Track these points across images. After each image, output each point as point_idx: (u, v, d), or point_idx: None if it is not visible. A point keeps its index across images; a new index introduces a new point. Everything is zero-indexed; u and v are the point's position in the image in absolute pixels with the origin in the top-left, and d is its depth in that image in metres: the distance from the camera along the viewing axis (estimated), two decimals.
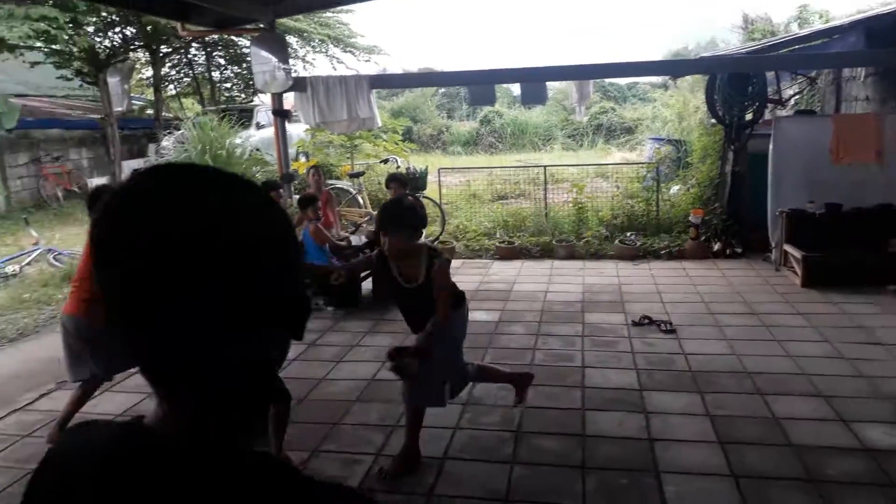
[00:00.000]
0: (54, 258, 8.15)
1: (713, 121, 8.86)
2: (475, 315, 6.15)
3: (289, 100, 9.08)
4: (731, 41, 17.63)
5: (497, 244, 8.77)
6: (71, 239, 10.14)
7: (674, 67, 11.58)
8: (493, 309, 6.39)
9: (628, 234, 8.81)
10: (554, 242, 8.64)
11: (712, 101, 8.34)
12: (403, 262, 3.45)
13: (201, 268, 0.67)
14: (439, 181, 10.25)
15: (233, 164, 9.15)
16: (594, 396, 4.38)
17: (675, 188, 10.13)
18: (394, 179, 7.11)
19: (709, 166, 9.17)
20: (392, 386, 4.61)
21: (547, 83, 8.68)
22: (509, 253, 8.55)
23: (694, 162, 10.24)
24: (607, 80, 30.79)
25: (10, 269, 7.73)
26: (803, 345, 5.12)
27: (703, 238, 8.30)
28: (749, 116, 8.24)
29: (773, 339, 5.31)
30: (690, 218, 8.37)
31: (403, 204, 3.57)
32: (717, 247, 8.21)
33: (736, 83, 8.01)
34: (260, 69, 8.49)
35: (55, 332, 6.04)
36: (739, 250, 8.16)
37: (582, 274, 7.66)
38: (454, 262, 8.33)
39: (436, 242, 8.93)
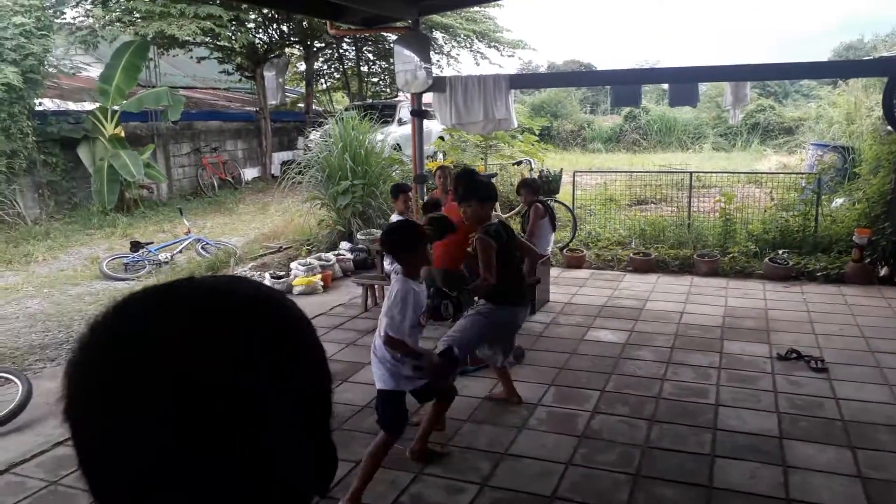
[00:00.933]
0: (202, 248, 8.70)
1: (889, 128, 7.88)
2: (598, 334, 5.88)
3: (428, 98, 9.12)
4: None
5: (631, 255, 8.33)
6: (219, 228, 10.81)
7: (847, 69, 10.45)
8: (621, 329, 6.03)
9: (780, 251, 8.05)
10: (695, 256, 8.07)
11: (890, 105, 7.41)
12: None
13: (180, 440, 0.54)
14: (573, 184, 9.91)
15: (371, 162, 9.32)
16: (726, 441, 3.98)
17: (837, 201, 9.17)
18: (524, 185, 6.92)
19: (881, 179, 8.18)
20: (504, 408, 4.45)
21: (699, 83, 8.12)
22: (644, 265, 8.09)
23: (863, 173, 9.22)
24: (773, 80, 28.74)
25: (162, 256, 8.33)
26: None
27: (867, 261, 7.42)
28: None
29: None
30: (854, 237, 7.50)
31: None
32: (883, 272, 7.30)
33: None
34: (402, 68, 8.58)
35: None
36: None
37: (724, 294, 7.09)
38: (581, 273, 8.03)
39: (565, 250, 8.64)
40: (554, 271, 7.83)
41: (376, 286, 6.78)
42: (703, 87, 25.54)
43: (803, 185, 9.34)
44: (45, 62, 11.40)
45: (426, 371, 3.45)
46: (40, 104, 11.48)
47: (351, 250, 8.20)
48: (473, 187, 4.31)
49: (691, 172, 10.03)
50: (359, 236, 8.50)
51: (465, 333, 4.14)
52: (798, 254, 8.01)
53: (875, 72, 8.36)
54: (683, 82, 7.83)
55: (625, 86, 8.35)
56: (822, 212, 8.57)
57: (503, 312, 4.23)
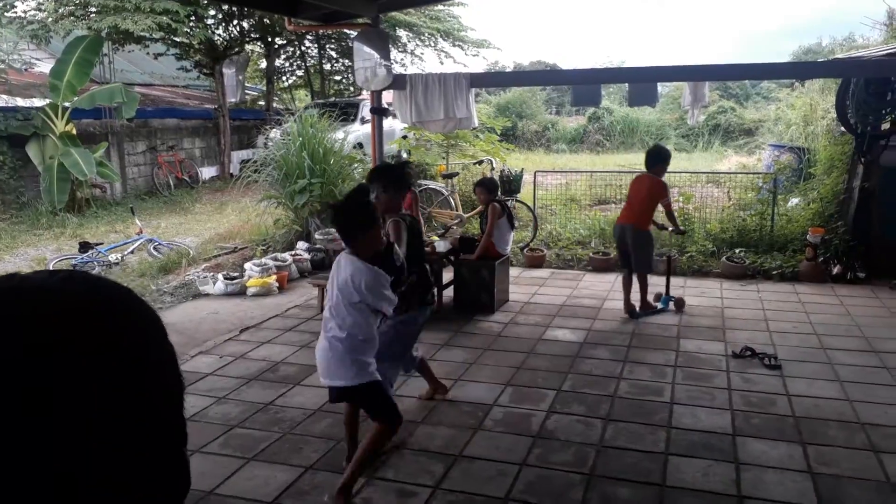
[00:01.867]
0: (154, 248, 8.46)
1: (843, 129, 8.03)
2: (557, 333, 5.85)
3: (390, 96, 9.02)
4: (871, 38, 16.15)
5: (591, 255, 8.34)
6: (173, 229, 10.55)
7: (804, 70, 10.60)
8: (579, 328, 6.02)
9: (737, 250, 8.13)
10: (654, 256, 8.08)
11: (843, 107, 7.55)
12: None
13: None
14: (535, 183, 9.90)
15: (330, 160, 9.19)
16: (680, 439, 3.97)
17: (793, 201, 9.31)
18: (479, 185, 6.88)
19: (834, 179, 8.34)
20: (460, 409, 4.38)
21: (659, 83, 8.15)
22: (603, 265, 8.10)
23: (817, 174, 9.39)
24: (731, 81, 29.23)
25: (112, 257, 8.08)
26: None
27: (820, 259, 7.53)
28: (886, 126, 7.40)
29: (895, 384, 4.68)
30: (808, 236, 7.61)
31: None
32: (836, 270, 7.43)
33: (874, 88, 7.19)
34: (361, 65, 8.45)
35: None
36: (863, 275, 7.33)
37: (681, 293, 7.12)
38: (541, 273, 8.00)
39: (525, 250, 8.61)
40: (514, 271, 7.79)
41: None
42: (666, 88, 25.87)
43: (760, 184, 9.46)
44: None
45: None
46: None
47: (308, 250, 8.06)
48: (382, 177, 4.07)
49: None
50: (317, 236, 8.37)
51: (395, 354, 3.94)
52: (755, 252, 8.10)
53: (831, 73, 8.49)
54: (642, 82, 7.86)
55: (585, 85, 8.35)
56: (778, 211, 8.68)
57: (421, 315, 4.06)
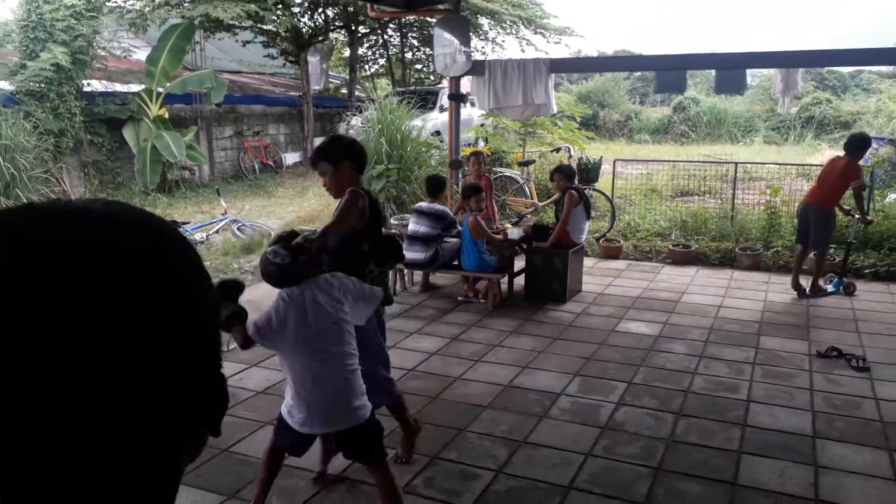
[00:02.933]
0: (237, 229, 8.76)
1: None
2: (630, 326, 5.72)
3: (468, 84, 9.02)
4: None
5: (670, 247, 8.10)
6: (256, 211, 10.89)
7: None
8: (654, 321, 5.86)
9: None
10: (737, 250, 7.80)
11: None
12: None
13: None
14: (614, 173, 9.69)
15: (407, 147, 9.28)
16: (755, 438, 3.82)
17: (891, 196, 8.76)
18: (557, 171, 6.78)
19: None
20: (526, 396, 4.36)
21: (748, 70, 7.83)
22: (683, 258, 7.86)
23: None
24: (827, 67, 27.74)
25: (198, 235, 8.41)
26: None
27: None
28: None
29: None
30: None
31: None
32: None
33: None
34: (441, 51, 8.50)
35: None
36: None
37: (765, 289, 6.84)
38: (617, 264, 7.84)
39: (601, 240, 8.44)
40: (589, 261, 7.66)
41: (405, 271, 6.73)
42: (757, 79, 24.79)
43: None
44: (94, 44, 11.61)
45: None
46: (88, 85, 11.72)
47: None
48: (326, 151, 3.52)
49: (737, 163, 9.70)
50: (391, 221, 8.46)
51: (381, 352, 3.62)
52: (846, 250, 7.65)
53: None
54: (730, 69, 7.55)
55: (669, 71, 8.11)
56: (874, 207, 8.19)
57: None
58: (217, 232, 8.79)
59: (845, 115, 22.28)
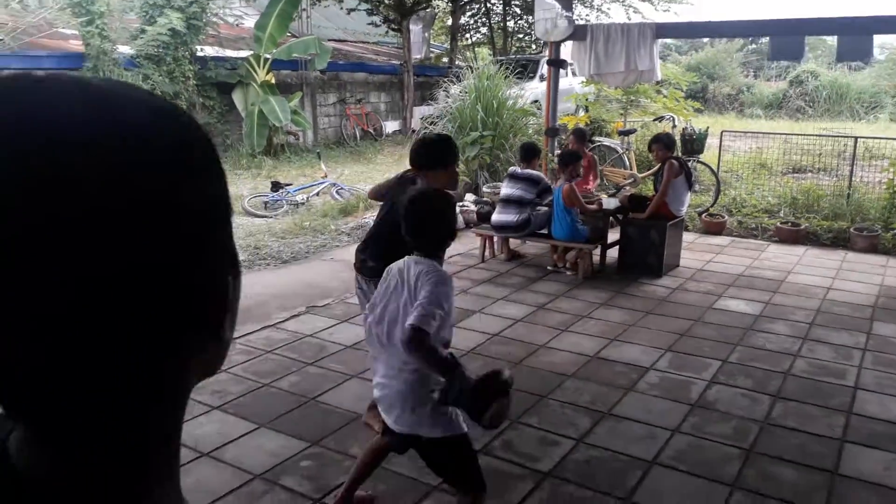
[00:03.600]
0: (337, 192, 8.98)
1: None
2: (729, 304, 5.46)
3: (567, 51, 8.77)
4: None
5: (778, 224, 7.65)
6: (355, 176, 11.11)
7: None
8: (756, 300, 5.56)
9: None
10: (852, 230, 7.27)
11: None
12: None
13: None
14: (720, 146, 9.22)
15: (503, 114, 9.17)
16: (861, 427, 3.56)
17: None
18: (656, 140, 6.51)
19: None
20: (613, 369, 4.25)
21: (876, 38, 7.21)
22: (791, 236, 7.40)
23: None
24: None
25: (299, 197, 8.68)
26: None
27: None
28: None
29: None
30: None
31: None
32: None
33: None
34: (542, 16, 8.31)
35: (322, 259, 6.68)
36: None
37: (882, 273, 6.34)
38: (719, 240, 7.50)
39: (704, 215, 8.08)
40: (689, 236, 7.36)
41: (495, 238, 6.68)
42: (886, 51, 22.86)
43: None
44: (207, 10, 12.08)
45: (465, 398, 2.22)
46: (201, 50, 12.24)
47: (476, 202, 8.13)
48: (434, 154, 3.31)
49: (856, 138, 9.00)
50: (485, 189, 8.43)
51: None
52: None
53: None
54: (854, 34, 6.97)
55: (785, 37, 7.56)
56: None
57: None
58: (318, 194, 9.04)
59: None
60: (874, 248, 7.02)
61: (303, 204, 8.65)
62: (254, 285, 5.54)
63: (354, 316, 4.99)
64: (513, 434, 3.45)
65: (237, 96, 12.48)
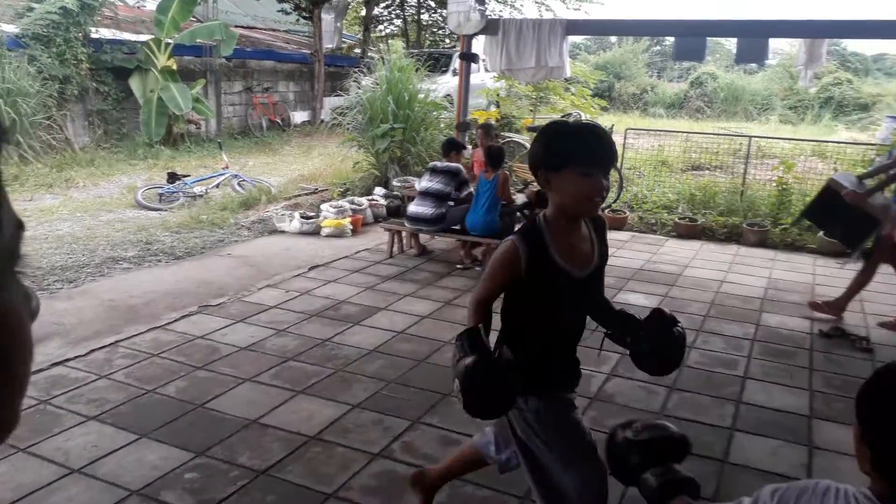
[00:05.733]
0: (238, 184, 8.65)
1: None
2: (629, 297, 5.59)
3: (480, 45, 8.77)
4: None
5: (676, 220, 7.91)
6: (260, 168, 10.76)
7: None
8: (654, 294, 5.72)
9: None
10: (744, 226, 7.61)
11: None
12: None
13: None
14: (624, 143, 9.46)
15: (414, 107, 9.08)
16: (749, 416, 3.69)
17: None
18: (533, 131, 6.59)
19: None
20: None
21: (770, 40, 7.55)
22: (688, 231, 7.68)
23: None
24: (849, 49, 27.09)
25: (198, 189, 8.31)
26: None
27: None
28: None
29: None
30: None
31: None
32: None
33: None
34: (455, 9, 8.27)
35: (219, 255, 6.40)
36: None
37: (770, 266, 6.66)
38: (621, 235, 7.68)
39: (606, 210, 8.26)
40: None
41: (403, 233, 6.60)
42: (777, 57, 24.23)
43: (874, 156, 8.68)
44: None
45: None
46: (96, 32, 11.52)
47: (385, 196, 8.02)
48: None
49: (751, 137, 9.45)
50: (394, 183, 8.32)
51: None
52: None
53: None
54: (753, 36, 7.29)
55: (688, 38, 7.82)
56: (891, 188, 7.93)
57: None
58: (217, 186, 8.68)
59: (865, 97, 21.78)
60: (763, 242, 7.38)
61: (201, 196, 8.29)
62: (142, 283, 5.24)
63: (250, 315, 4.80)
64: (414, 434, 3.38)
65: (135, 82, 11.84)
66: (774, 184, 8.26)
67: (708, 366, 4.32)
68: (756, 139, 9.82)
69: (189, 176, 8.78)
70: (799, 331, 4.95)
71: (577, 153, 1.91)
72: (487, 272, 2.06)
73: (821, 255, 7.07)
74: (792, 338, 4.82)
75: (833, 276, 6.40)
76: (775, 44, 23.31)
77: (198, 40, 12.66)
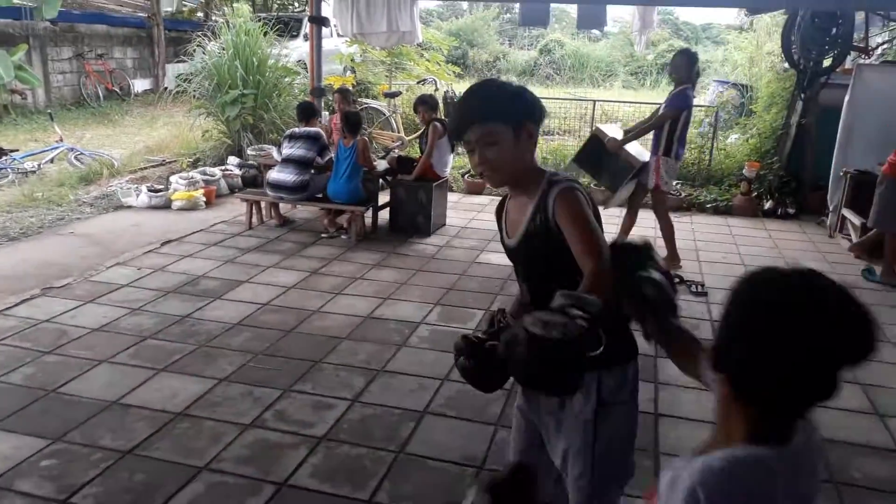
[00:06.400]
0: (75, 158, 7.99)
1: (786, 65, 8.01)
2: (490, 257, 5.80)
3: (330, 9, 8.56)
4: None
5: None
6: (99, 140, 9.99)
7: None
8: None
9: (675, 183, 8.16)
10: (591, 185, 8.07)
11: (788, 42, 7.52)
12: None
13: None
14: None
15: (264, 72, 8.77)
16: None
17: (732, 137, 9.37)
18: (421, 102, 6.62)
19: (773, 115, 8.38)
20: (386, 326, 4.30)
21: (608, 6, 7.98)
22: None
23: (758, 110, 9.43)
24: (681, 19, 29.08)
25: (29, 164, 7.59)
26: None
27: (754, 194, 7.63)
28: (827, 62, 7.41)
29: None
30: (744, 171, 7.68)
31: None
32: (768, 205, 7.54)
33: (819, 23, 7.17)
34: None
35: (59, 234, 5.93)
36: (793, 211, 7.46)
37: (616, 222, 7.13)
38: (481, 199, 7.90)
39: (466, 176, 8.47)
40: (454, 196, 7.71)
41: (262, 203, 6.42)
42: (618, 25, 25.61)
43: (702, 118, 9.47)
44: None
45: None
46: None
47: (240, 166, 7.73)
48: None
49: (595, 101, 9.98)
50: (249, 151, 8.03)
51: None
52: (691, 186, 8.16)
53: (781, 4, 8.16)
54: (591, 3, 7.68)
55: (531, 3, 8.10)
56: (717, 146, 8.72)
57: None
58: (52, 161, 7.98)
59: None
60: (607, 201, 7.87)
61: (33, 172, 7.59)
62: None
63: (100, 296, 4.52)
64: (285, 403, 3.35)
65: None
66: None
67: None
68: (600, 103, 10.37)
69: (17, 150, 8.00)
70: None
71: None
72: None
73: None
74: None
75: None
76: (617, 12, 24.64)
77: (15, 1, 11.41)
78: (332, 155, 6.17)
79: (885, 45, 9.04)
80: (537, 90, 14.50)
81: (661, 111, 5.49)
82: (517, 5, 8.58)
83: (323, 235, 6.22)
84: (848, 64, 8.09)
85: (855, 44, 7.78)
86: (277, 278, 5.08)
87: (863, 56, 7.98)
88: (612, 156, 5.53)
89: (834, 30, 7.26)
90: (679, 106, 5.32)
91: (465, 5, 29.05)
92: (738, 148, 8.71)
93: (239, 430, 3.08)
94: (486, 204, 7.75)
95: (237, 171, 7.54)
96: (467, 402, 3.44)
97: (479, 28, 26.61)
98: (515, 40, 30.13)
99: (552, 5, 8.42)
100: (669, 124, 5.34)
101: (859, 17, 7.70)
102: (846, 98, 6.71)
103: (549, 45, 24.95)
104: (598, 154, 5.62)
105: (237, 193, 6.83)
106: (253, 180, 7.44)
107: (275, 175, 6.13)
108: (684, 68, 5.36)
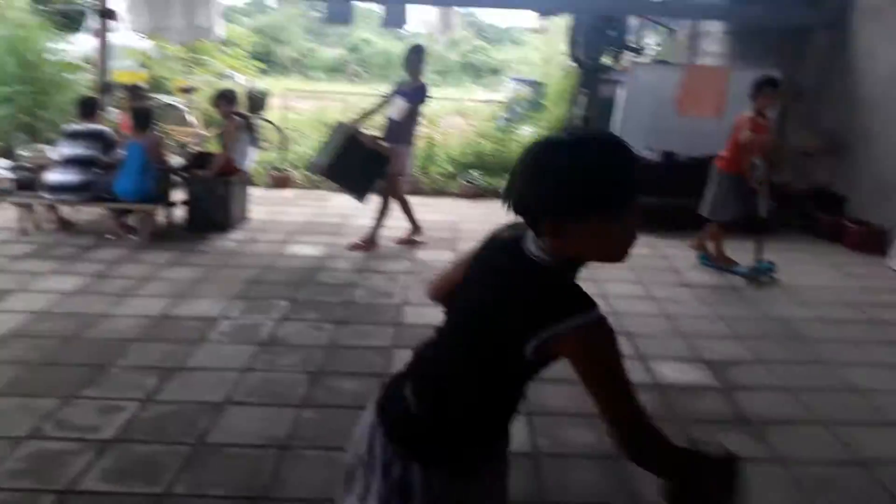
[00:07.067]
0: None
1: (573, 63, 8.73)
2: (296, 249, 5.78)
3: (122, 3, 7.98)
4: None
5: None
6: None
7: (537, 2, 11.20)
8: (321, 244, 5.98)
9: (474, 172, 8.61)
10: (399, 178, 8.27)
11: (574, 42, 8.22)
12: None
13: None
14: (286, 106, 9.56)
15: (43, 68, 8.02)
16: (406, 334, 4.14)
17: (527, 129, 10.04)
18: (219, 96, 6.42)
19: (562, 110, 9.09)
20: (182, 325, 4.13)
21: (409, 7, 8.22)
22: None
23: (549, 105, 10.19)
24: (486, 21, 30.54)
25: None
26: (617, 285, 5.11)
27: None
28: (607, 61, 8.17)
29: (586, 279, 5.28)
30: None
31: None
32: None
33: (599, 26, 7.90)
34: None
35: None
36: None
37: (421, 211, 7.36)
38: (287, 193, 7.81)
39: (271, 170, 8.31)
40: (258, 191, 7.55)
41: (38, 207, 5.87)
42: (428, 26, 26.31)
43: (499, 112, 10.05)
44: None
45: None
46: None
47: (13, 169, 6.97)
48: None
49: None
50: (23, 153, 7.28)
51: None
52: (489, 174, 8.63)
53: (563, 6, 8.78)
54: (394, 2, 7.88)
55: (337, 2, 8.10)
56: (512, 138, 9.30)
57: None
58: None
59: (497, 63, 24.86)
60: (414, 191, 8.10)
61: None
62: None
63: None
64: (68, 411, 3.11)
65: None
66: (422, 139, 9.09)
67: (371, 299, 4.72)
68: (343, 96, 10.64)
69: None
70: (446, 261, 5.60)
71: None
72: (617, 370, 1.25)
73: (462, 198, 8.05)
74: (441, 267, 5.43)
75: (471, 214, 7.33)
76: (423, 14, 25.27)
77: None
78: (122, 152, 5.78)
79: (656, 46, 10.16)
80: (345, 87, 14.74)
81: (399, 102, 5.69)
82: (323, 3, 8.56)
83: (109, 237, 5.79)
84: (625, 62, 9.00)
85: (630, 44, 8.65)
86: (56, 285, 4.67)
87: (636, 55, 8.90)
88: (361, 151, 5.57)
89: (612, 32, 8.04)
90: (423, 98, 5.75)
91: (270, 1, 28.42)
92: (531, 139, 9.35)
93: (12, 444, 2.82)
94: (292, 197, 7.69)
95: (9, 175, 6.79)
96: (271, 388, 3.42)
97: (285, 25, 26.16)
98: (324, 38, 29.94)
99: (357, 4, 8.51)
100: (413, 115, 5.68)
101: (636, 21, 8.60)
102: (622, 92, 7.44)
103: (356, 44, 25.10)
104: (349, 155, 5.58)
105: (7, 198, 6.15)
106: (30, 183, 6.75)
107: (54, 176, 5.64)
108: (418, 63, 5.75)
